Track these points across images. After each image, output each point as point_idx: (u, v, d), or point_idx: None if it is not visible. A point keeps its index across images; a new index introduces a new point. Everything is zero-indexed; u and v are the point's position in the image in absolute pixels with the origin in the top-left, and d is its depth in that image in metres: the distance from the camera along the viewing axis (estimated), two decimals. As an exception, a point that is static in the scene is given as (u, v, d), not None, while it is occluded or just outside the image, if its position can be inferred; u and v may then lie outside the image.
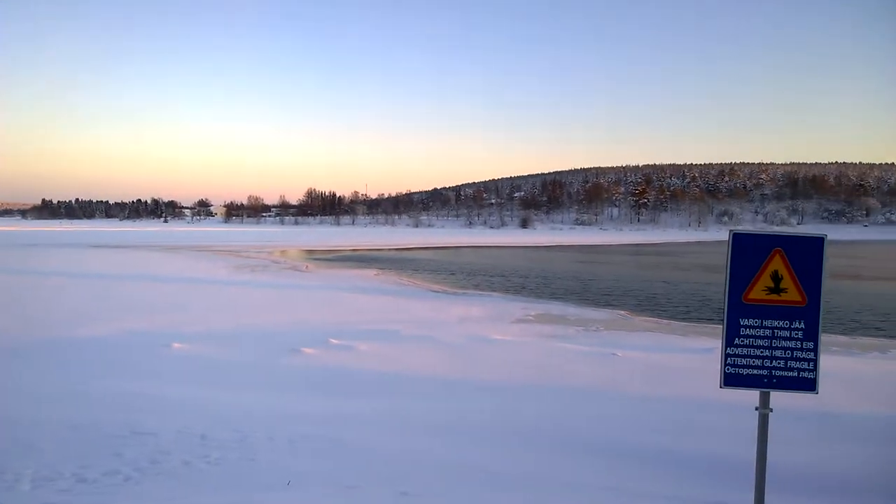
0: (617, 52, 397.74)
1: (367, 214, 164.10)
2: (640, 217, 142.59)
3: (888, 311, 20.86)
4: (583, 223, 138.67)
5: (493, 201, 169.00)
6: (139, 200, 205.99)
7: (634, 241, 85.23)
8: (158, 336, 12.93)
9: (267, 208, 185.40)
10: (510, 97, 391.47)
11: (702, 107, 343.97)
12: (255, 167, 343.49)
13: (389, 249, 58.86)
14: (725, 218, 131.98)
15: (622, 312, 20.10)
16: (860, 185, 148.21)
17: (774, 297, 3.24)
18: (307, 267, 36.79)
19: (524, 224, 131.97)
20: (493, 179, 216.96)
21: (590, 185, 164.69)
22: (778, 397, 3.37)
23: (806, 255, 3.23)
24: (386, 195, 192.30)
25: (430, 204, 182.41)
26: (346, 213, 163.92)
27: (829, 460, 6.34)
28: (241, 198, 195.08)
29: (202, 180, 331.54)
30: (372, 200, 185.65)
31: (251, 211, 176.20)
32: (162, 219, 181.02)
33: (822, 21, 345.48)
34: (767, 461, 3.31)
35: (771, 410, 3.30)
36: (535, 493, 5.11)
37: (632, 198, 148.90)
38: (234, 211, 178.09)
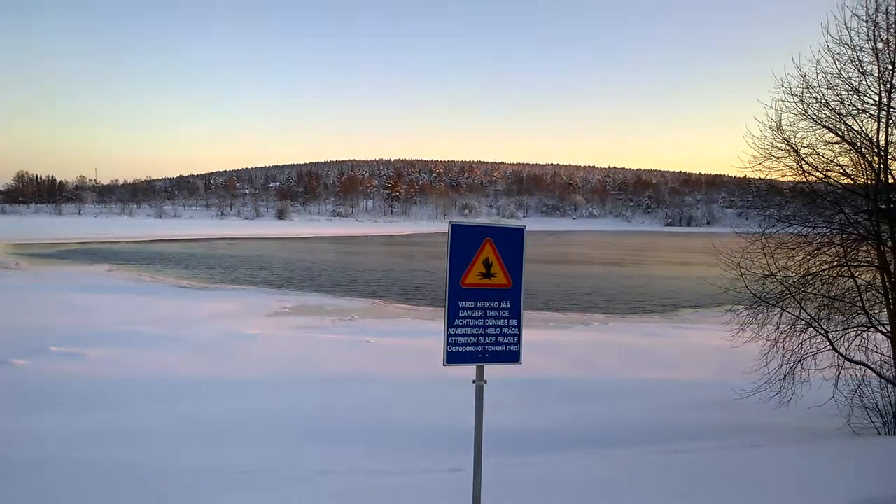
0: (363, 51, 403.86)
1: (98, 203, 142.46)
2: (393, 209, 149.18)
3: (598, 289, 25.30)
4: (340, 215, 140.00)
5: (246, 191, 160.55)
6: None
7: (389, 232, 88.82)
8: None
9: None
10: (263, 85, 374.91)
11: (444, 106, 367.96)
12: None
13: (127, 242, 52.11)
14: (466, 211, 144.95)
15: (377, 301, 20.98)
16: (569, 183, 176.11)
17: (486, 281, 3.77)
18: (17, 264, 30.85)
19: (281, 215, 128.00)
20: (247, 168, 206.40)
21: (345, 177, 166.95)
22: (495, 370, 3.90)
23: (510, 244, 3.80)
24: (121, 181, 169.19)
25: (176, 193, 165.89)
26: (71, 200, 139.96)
27: (535, 420, 7.58)
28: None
29: None
30: (104, 187, 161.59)
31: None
32: None
33: (534, 35, 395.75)
34: (491, 426, 3.82)
35: (485, 382, 3.79)
36: (283, 486, 5.12)
37: (385, 191, 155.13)
38: None
